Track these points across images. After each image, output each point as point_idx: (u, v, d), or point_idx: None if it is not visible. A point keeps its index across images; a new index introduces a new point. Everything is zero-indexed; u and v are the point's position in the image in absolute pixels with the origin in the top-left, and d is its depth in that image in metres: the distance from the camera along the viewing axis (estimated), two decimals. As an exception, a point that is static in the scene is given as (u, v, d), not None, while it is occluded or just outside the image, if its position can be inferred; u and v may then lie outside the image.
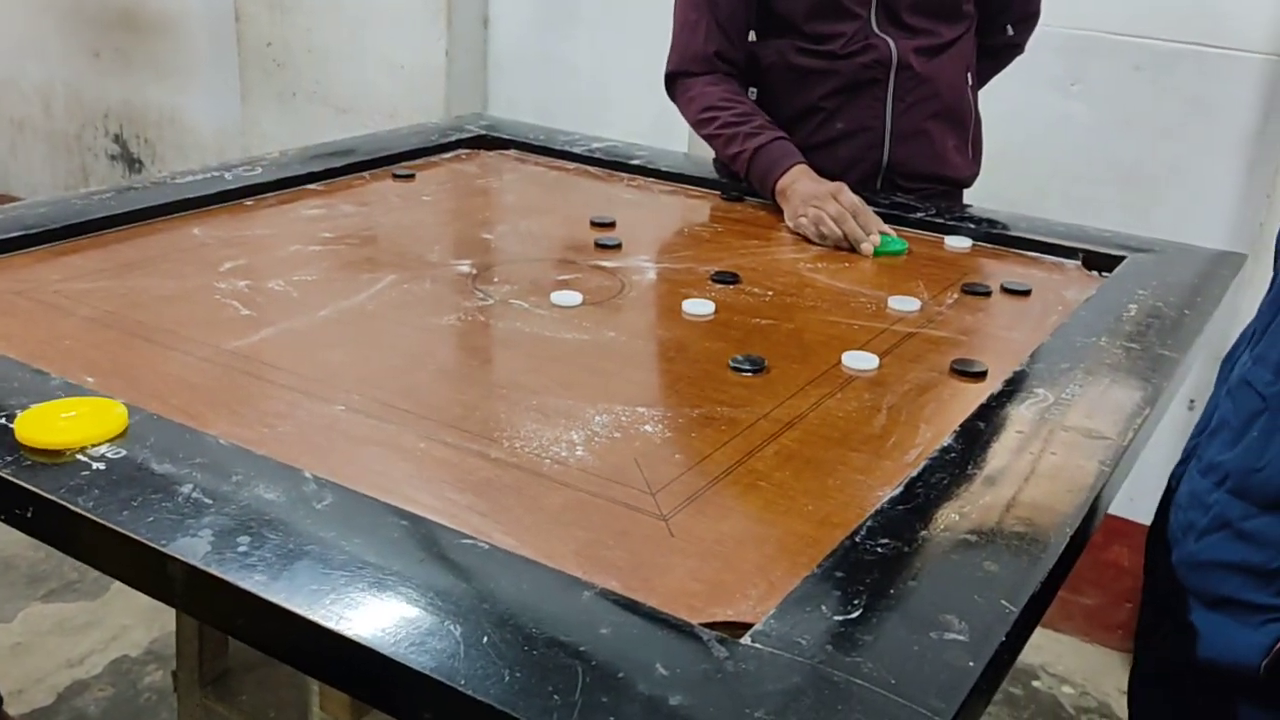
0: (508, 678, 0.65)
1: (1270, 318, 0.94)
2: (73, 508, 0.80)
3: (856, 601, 0.74)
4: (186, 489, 0.82)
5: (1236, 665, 0.91)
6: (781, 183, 1.65)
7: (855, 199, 1.58)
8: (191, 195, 1.55)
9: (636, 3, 2.73)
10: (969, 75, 1.83)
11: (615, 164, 1.90)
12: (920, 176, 1.80)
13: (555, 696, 0.64)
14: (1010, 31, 1.88)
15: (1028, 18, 1.89)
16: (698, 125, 1.78)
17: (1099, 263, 1.53)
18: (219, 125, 3.60)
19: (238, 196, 1.60)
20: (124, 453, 0.87)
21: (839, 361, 1.18)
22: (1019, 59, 1.96)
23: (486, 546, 0.78)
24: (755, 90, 1.80)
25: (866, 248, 1.53)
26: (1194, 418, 2.18)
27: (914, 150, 1.78)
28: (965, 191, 1.90)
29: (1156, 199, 2.26)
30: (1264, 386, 0.91)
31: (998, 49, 1.91)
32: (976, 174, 1.88)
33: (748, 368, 1.15)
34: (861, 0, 1.71)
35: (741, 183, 1.75)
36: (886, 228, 1.57)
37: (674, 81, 1.82)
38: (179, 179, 1.61)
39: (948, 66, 1.77)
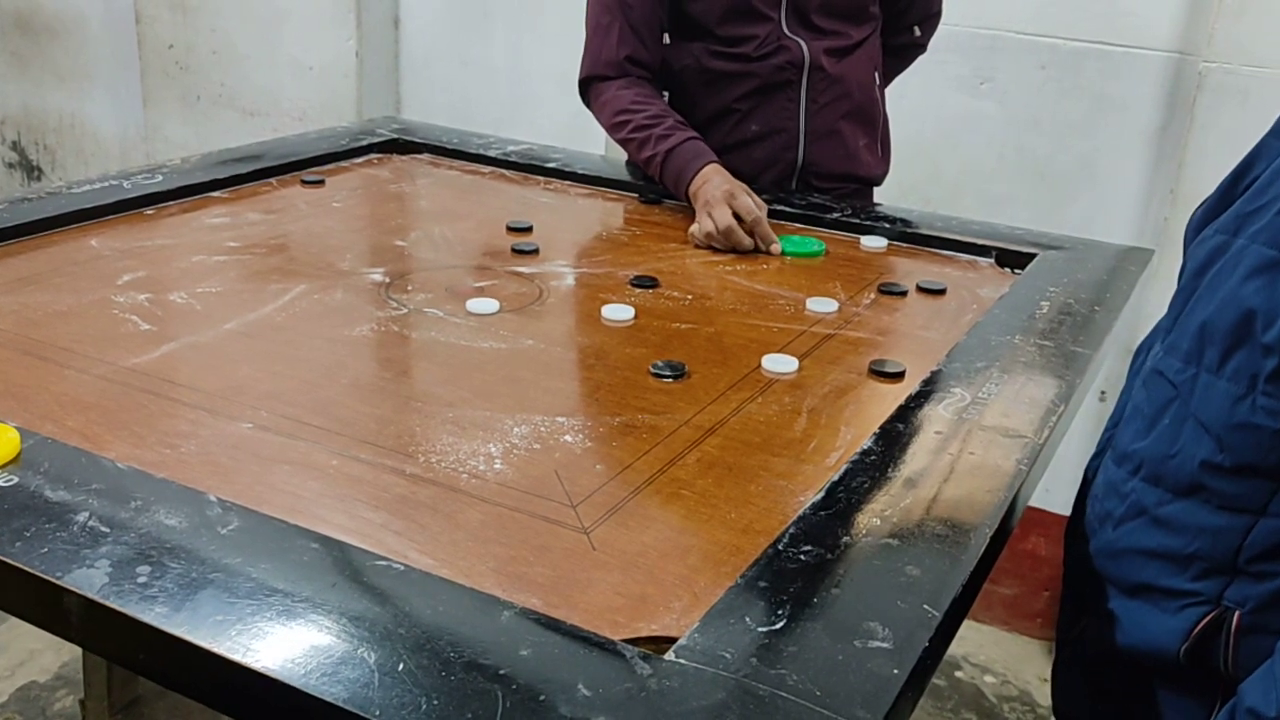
0: (424, 706, 0.63)
1: (1180, 308, 0.96)
2: (-40, 540, 0.76)
3: (780, 612, 0.73)
4: (82, 517, 0.79)
5: (1156, 651, 0.93)
6: (693, 187, 1.64)
7: (747, 203, 1.55)
8: (89, 205, 1.49)
9: (551, 1, 2.71)
10: (876, 75, 1.84)
11: (531, 167, 1.88)
12: (834, 176, 1.81)
13: (474, 723, 0.62)
14: (917, 32, 1.91)
15: (930, 17, 1.92)
16: (612, 130, 1.76)
17: (1012, 260, 1.55)
18: (122, 131, 3.49)
19: (138, 205, 1.54)
20: (16, 480, 0.83)
21: (759, 365, 1.17)
22: (929, 59, 1.98)
23: (402, 567, 0.76)
24: (668, 94, 1.79)
25: (774, 249, 1.53)
26: (1105, 409, 2.23)
27: (827, 150, 1.79)
28: (880, 190, 1.91)
29: (1066, 196, 2.31)
30: (1174, 374, 0.93)
31: (902, 48, 1.93)
32: (886, 172, 1.90)
33: (668, 373, 1.14)
34: (772, 3, 1.72)
35: (659, 186, 1.74)
36: (774, 238, 1.55)
37: (588, 87, 1.80)
38: (75, 188, 1.55)
39: (857, 67, 1.79)
